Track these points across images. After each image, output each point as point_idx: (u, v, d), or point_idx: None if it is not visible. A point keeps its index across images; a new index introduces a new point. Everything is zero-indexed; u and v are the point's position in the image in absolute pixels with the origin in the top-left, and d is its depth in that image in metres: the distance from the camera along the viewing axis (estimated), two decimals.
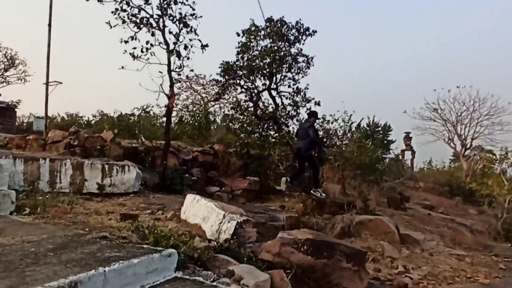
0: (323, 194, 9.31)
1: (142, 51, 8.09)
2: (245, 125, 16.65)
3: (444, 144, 37.94)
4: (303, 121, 10.30)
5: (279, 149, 10.14)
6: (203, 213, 4.89)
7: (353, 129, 19.68)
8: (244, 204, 8.83)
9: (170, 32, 8.35)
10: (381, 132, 29.48)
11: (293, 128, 15.97)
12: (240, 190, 9.42)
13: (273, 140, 10.12)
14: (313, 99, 14.80)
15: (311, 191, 9.35)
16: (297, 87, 15.18)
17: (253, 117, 16.03)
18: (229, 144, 19.00)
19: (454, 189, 30.37)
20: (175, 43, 8.26)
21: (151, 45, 8.18)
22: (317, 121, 9.75)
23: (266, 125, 15.66)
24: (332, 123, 14.94)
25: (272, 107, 16.55)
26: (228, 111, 18.09)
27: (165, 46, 8.25)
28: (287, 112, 14.66)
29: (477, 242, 12.71)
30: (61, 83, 13.29)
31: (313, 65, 15.53)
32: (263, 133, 16.56)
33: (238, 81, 14.99)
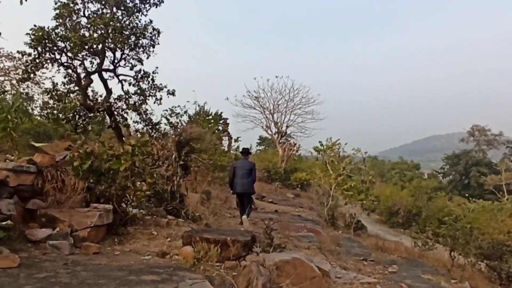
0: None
1: None
2: (55, 111, 12.52)
3: (262, 131, 39.49)
4: (240, 158, 10.25)
5: (140, 161, 7.11)
6: None
7: (201, 121, 17.52)
8: (98, 254, 5.62)
9: None
10: (212, 121, 27.96)
11: (133, 121, 12.58)
12: (86, 229, 6.07)
13: (132, 147, 6.98)
14: (165, 87, 11.83)
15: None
16: (141, 70, 11.91)
17: (78, 104, 12.00)
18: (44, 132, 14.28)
19: (272, 175, 31.79)
20: None
21: None
22: None
23: (83, 116, 11.92)
24: (182, 116, 12.42)
25: (100, 95, 12.67)
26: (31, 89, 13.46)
27: None
28: (133, 102, 11.28)
29: (332, 240, 12.53)
30: None
31: (158, 44, 12.47)
32: (87, 125, 12.76)
33: (57, 57, 10.75)
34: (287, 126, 36.56)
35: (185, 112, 12.23)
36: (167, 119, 12.00)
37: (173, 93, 11.57)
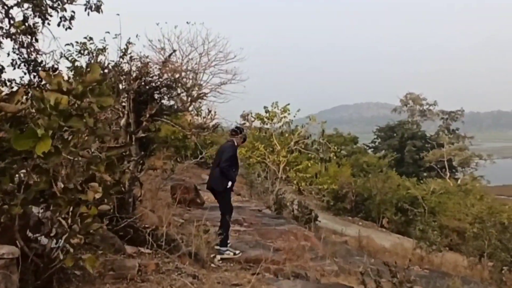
0: (237, 252, 6.19)
1: None
2: None
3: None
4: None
5: (84, 129, 2.90)
6: None
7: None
8: None
9: None
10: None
11: (8, 54, 6.97)
12: None
13: (68, 95, 2.67)
14: None
15: (219, 253, 5.89)
16: None
17: None
18: None
19: (182, 150, 27.32)
20: None
21: None
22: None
23: None
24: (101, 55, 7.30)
25: None
26: None
27: None
28: (22, 20, 6.14)
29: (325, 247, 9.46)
30: None
31: None
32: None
33: None
34: (198, 88, 30.56)
35: (104, 49, 7.00)
36: (73, 62, 6.92)
37: (97, 9, 6.59)
